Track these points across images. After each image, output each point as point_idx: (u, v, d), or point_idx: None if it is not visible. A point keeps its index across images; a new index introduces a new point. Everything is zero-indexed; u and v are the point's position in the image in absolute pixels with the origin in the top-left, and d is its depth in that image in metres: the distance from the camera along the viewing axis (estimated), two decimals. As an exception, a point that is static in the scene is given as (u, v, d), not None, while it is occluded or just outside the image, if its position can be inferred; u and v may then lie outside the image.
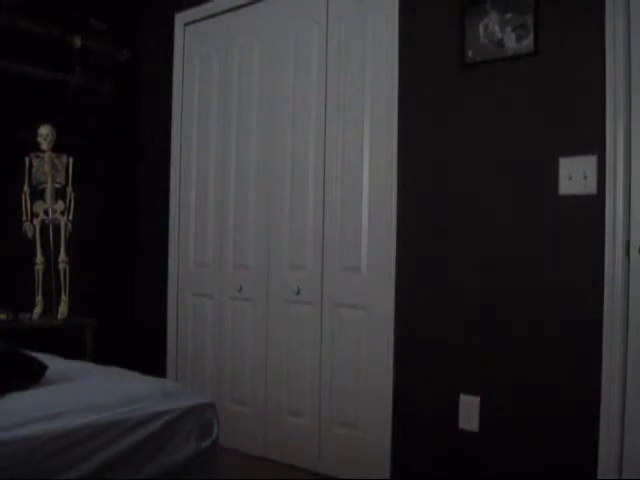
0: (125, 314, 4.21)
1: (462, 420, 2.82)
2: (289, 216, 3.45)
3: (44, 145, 3.64)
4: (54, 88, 3.91)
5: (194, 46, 3.95)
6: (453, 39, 2.86)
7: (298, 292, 3.36)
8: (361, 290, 3.16)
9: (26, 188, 3.63)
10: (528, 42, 2.65)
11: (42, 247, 3.65)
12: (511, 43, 2.70)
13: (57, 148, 3.68)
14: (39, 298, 3.64)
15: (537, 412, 2.62)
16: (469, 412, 2.79)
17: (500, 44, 2.73)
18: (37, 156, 3.66)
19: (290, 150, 3.45)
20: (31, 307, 3.62)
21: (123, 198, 4.26)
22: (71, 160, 3.68)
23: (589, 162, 2.50)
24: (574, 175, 2.54)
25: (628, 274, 2.41)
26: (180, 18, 4.00)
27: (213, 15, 3.82)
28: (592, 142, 2.50)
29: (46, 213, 3.66)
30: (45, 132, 3.64)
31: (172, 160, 4.02)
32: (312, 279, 3.33)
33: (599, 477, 2.44)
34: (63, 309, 3.62)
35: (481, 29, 2.78)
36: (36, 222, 3.63)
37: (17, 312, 3.57)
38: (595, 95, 2.49)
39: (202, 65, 3.91)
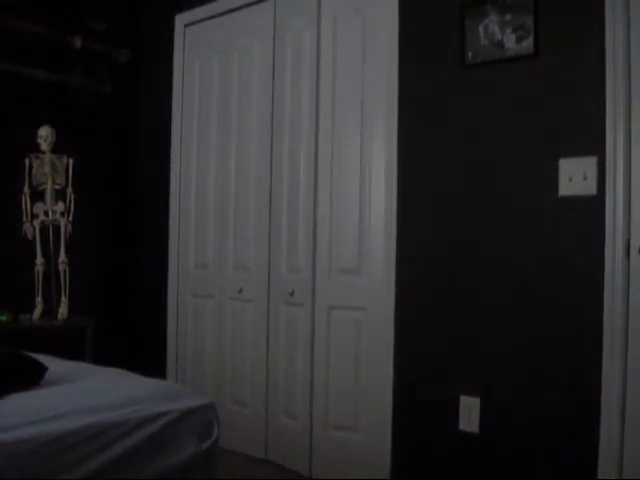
0: (125, 315, 4.20)
1: (462, 421, 2.82)
2: (287, 217, 3.44)
3: (44, 146, 3.64)
4: (54, 89, 3.91)
5: (194, 47, 3.94)
6: (453, 40, 2.86)
7: (292, 293, 3.35)
8: (361, 291, 3.16)
9: (26, 189, 3.63)
10: (528, 43, 2.65)
11: (42, 248, 3.65)
12: (511, 44, 2.70)
13: (57, 149, 3.68)
14: (39, 299, 3.64)
15: (537, 413, 2.62)
16: (469, 413, 2.79)
17: (500, 45, 2.73)
18: (37, 157, 3.66)
19: (288, 151, 3.44)
20: (31, 308, 3.62)
21: (123, 199, 4.25)
22: (71, 161, 3.69)
23: (589, 163, 2.50)
24: (574, 176, 2.54)
25: (628, 275, 2.41)
26: (180, 19, 4.00)
27: (213, 16, 3.83)
28: (592, 143, 2.50)
29: (46, 214, 3.66)
30: (45, 133, 3.64)
31: (172, 160, 4.02)
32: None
33: (599, 477, 2.44)
34: (63, 310, 3.62)
35: (481, 30, 2.77)
36: (36, 223, 3.63)
37: (17, 313, 3.57)
38: (595, 96, 2.49)
39: (202, 66, 3.90)
